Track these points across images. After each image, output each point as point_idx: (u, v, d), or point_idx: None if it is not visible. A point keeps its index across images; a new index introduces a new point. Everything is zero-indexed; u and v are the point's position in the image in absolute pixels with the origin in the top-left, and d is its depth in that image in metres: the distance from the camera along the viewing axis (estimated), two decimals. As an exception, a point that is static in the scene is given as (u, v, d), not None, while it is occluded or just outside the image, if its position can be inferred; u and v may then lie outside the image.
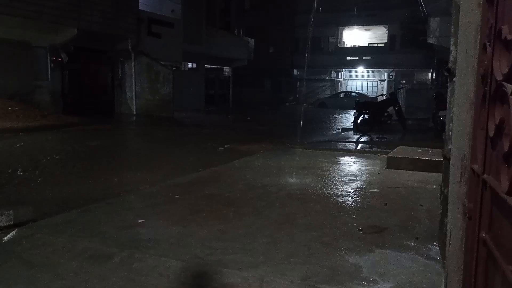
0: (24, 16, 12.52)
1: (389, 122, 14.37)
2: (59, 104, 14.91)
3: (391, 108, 13.92)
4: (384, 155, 6.95)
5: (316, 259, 2.88)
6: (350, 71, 39.47)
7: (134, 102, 17.86)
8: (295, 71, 38.89)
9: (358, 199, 4.58)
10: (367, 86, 39.19)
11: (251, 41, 30.28)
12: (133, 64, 17.60)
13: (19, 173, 6.10)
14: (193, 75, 25.00)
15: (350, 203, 4.42)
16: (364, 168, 6.47)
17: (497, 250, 1.22)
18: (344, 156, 7.61)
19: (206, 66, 25.85)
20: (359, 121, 13.19)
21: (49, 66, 14.79)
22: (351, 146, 10.20)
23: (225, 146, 9.17)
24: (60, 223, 3.65)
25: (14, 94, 13.41)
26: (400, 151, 6.82)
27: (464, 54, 1.83)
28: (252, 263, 2.80)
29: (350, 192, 4.90)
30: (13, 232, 3.42)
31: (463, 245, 1.69)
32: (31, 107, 13.42)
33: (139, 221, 3.68)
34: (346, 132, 13.35)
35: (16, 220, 3.70)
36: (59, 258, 2.99)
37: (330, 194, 4.78)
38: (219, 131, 13.18)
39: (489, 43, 1.39)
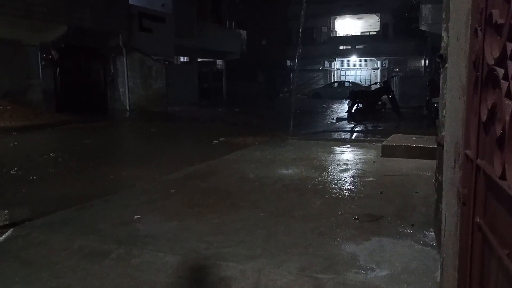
0: (14, 14, 12.38)
1: (383, 110, 14.39)
2: (51, 102, 14.82)
3: (385, 96, 13.94)
4: (379, 144, 6.96)
5: (313, 250, 2.88)
6: (343, 61, 39.42)
7: (127, 98, 17.77)
8: (288, 62, 38.80)
9: (353, 188, 4.59)
10: (361, 75, 39.18)
11: (243, 33, 30.14)
12: (125, 60, 17.49)
13: (13, 172, 6.07)
14: (186, 69, 24.88)
15: (346, 192, 4.43)
16: (359, 157, 6.49)
17: (492, 235, 1.23)
18: (339, 146, 7.62)
19: (199, 59, 25.73)
20: (353, 111, 13.20)
21: (40, 64, 14.67)
22: (346, 135, 10.22)
23: (220, 139, 9.16)
24: (56, 221, 3.64)
25: (6, 93, 13.30)
26: (395, 139, 6.84)
27: (456, 40, 1.82)
28: (249, 255, 2.81)
29: (345, 181, 4.92)
30: (9, 232, 3.41)
31: (458, 231, 1.69)
32: (24, 106, 13.33)
33: (136, 217, 3.68)
34: (340, 122, 13.37)
35: (12, 219, 3.68)
36: (56, 257, 2.98)
37: (325, 184, 4.79)
38: (214, 125, 13.16)
39: (480, 28, 1.38)
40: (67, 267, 2.83)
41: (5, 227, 3.52)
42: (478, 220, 1.39)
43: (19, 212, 4.04)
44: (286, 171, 5.55)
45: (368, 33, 38.52)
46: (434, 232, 3.07)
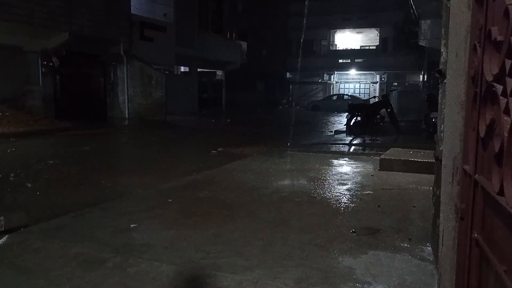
0: (15, 20, 12.44)
1: (381, 124, 14.43)
2: (51, 109, 14.82)
3: (384, 110, 13.98)
4: (377, 157, 6.97)
5: (310, 262, 2.87)
6: (342, 74, 39.60)
7: (126, 106, 17.78)
8: (288, 74, 38.98)
9: (351, 201, 4.59)
10: (360, 88, 39.34)
11: (244, 44, 30.29)
12: (125, 68, 17.54)
13: (11, 178, 6.05)
14: (186, 79, 24.96)
15: (344, 205, 4.42)
16: (357, 170, 6.49)
17: (490, 250, 1.23)
18: (337, 159, 7.62)
19: (199, 69, 25.81)
20: (352, 124, 13.23)
21: (40, 70, 14.70)
22: (344, 148, 10.22)
23: (218, 149, 9.16)
24: (52, 228, 3.62)
25: (5, 99, 13.30)
26: (393, 153, 6.85)
27: (455, 56, 1.84)
28: (246, 266, 2.80)
29: (343, 194, 4.91)
30: (5, 238, 3.39)
31: (455, 246, 1.69)
32: (23, 112, 13.32)
33: (132, 225, 3.66)
34: (339, 135, 13.38)
35: (8, 225, 3.66)
36: (52, 264, 2.96)
37: (323, 196, 4.78)
38: (212, 135, 13.17)
39: (479, 44, 1.40)
40: (62, 274, 2.81)
41: (1, 234, 3.50)
42: (475, 235, 1.39)
43: (15, 218, 4.02)
44: (284, 182, 5.55)
45: (367, 47, 38.76)
46: (431, 246, 3.06)
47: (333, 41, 39.66)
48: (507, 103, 1.06)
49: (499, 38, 1.15)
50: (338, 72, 39.41)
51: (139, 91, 17.78)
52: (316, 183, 5.44)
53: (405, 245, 3.21)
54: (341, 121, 18.27)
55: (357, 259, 2.93)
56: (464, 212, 1.55)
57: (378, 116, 14.20)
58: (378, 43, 37.40)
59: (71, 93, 15.70)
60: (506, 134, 1.04)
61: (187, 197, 4.69)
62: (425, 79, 28.67)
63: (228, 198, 4.64)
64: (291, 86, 39.08)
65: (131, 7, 17.50)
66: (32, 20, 12.91)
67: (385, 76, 37.65)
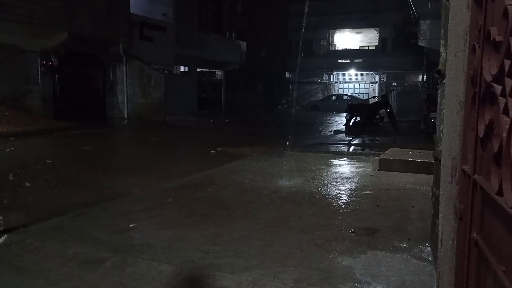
0: (15, 20, 12.43)
1: (381, 124, 14.44)
2: (50, 109, 14.80)
3: (383, 110, 13.99)
4: (376, 157, 6.97)
5: (309, 262, 2.87)
6: (342, 74, 39.60)
7: (126, 106, 17.77)
8: (287, 74, 38.97)
9: (350, 201, 4.59)
10: (359, 88, 39.35)
11: (243, 44, 30.30)
12: (124, 68, 17.52)
13: (9, 178, 6.04)
14: (185, 79, 24.95)
15: (343, 205, 4.42)
16: (356, 170, 6.49)
17: (488, 250, 1.23)
18: (337, 159, 7.63)
19: (198, 69, 25.81)
20: (351, 124, 13.24)
21: (40, 70, 14.68)
22: (344, 148, 10.23)
23: (218, 149, 9.16)
24: (51, 228, 3.62)
25: (5, 99, 13.28)
26: (392, 153, 6.85)
27: (454, 56, 1.84)
28: (245, 266, 2.79)
29: (342, 194, 4.91)
30: (3, 238, 3.39)
31: (454, 246, 1.70)
32: (22, 111, 13.30)
33: (132, 225, 3.66)
34: (338, 135, 13.39)
35: (7, 225, 3.66)
36: (50, 264, 2.96)
37: (322, 196, 4.78)
38: (211, 135, 13.17)
39: (478, 45, 1.40)
40: (61, 274, 2.81)
41: (0, 233, 3.50)
42: (474, 235, 1.39)
43: (14, 217, 4.02)
44: (283, 182, 5.55)
45: (367, 47, 38.76)
46: (430, 246, 3.07)
47: (333, 41, 39.66)
48: (506, 103, 1.06)
49: (498, 38, 1.15)
50: (338, 72, 39.41)
51: (138, 91, 17.77)
52: (315, 183, 5.44)
53: (404, 245, 3.21)
54: (340, 121, 18.27)
55: (356, 259, 2.93)
56: (463, 212, 1.55)
57: (377, 116, 14.22)
58: (377, 43, 37.42)
59: (70, 93, 15.68)
60: (505, 135, 1.04)
61: (187, 197, 4.68)
62: (425, 80, 28.70)
63: (227, 198, 4.64)
64: (290, 86, 39.07)
65: (131, 7, 17.48)
66: (32, 20, 12.91)
67: (384, 76, 37.66)
